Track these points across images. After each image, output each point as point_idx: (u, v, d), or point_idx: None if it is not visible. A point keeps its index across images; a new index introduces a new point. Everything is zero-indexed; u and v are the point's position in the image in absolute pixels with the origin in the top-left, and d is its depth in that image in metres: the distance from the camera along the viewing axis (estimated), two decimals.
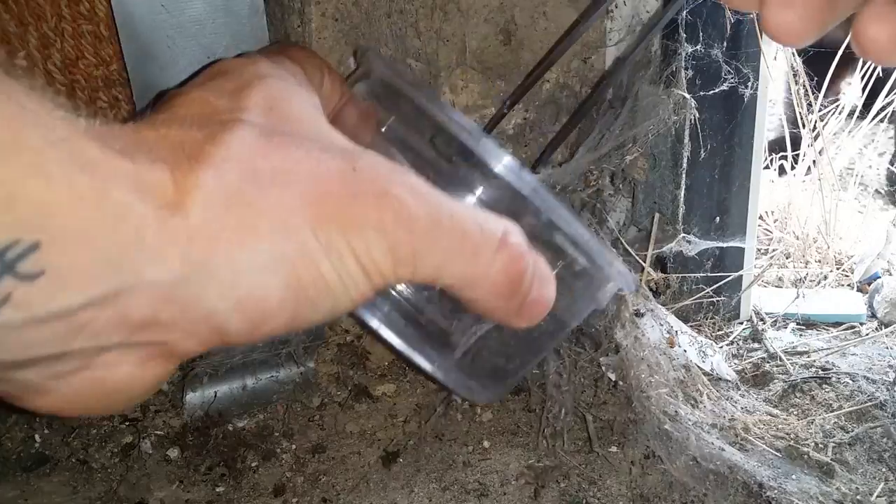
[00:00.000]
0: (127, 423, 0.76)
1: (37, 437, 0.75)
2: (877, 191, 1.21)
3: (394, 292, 0.34)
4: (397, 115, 0.37)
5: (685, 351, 0.73)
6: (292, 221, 0.26)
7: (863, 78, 1.11)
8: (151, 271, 0.24)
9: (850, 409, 0.72)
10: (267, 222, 0.26)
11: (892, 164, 1.16)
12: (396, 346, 0.35)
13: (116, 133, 0.25)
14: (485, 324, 0.37)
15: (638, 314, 0.70)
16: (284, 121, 0.29)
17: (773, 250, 1.00)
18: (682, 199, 0.78)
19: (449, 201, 0.30)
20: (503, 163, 0.34)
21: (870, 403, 0.72)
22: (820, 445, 0.67)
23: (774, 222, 1.06)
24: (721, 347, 0.80)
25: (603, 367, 0.71)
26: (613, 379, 0.70)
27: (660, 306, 0.76)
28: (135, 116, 0.32)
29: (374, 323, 0.35)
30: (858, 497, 0.62)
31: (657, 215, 0.78)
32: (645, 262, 0.80)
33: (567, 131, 0.73)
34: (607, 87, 0.73)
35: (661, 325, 0.73)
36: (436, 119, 0.35)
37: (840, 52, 1.08)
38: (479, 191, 0.35)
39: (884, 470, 0.65)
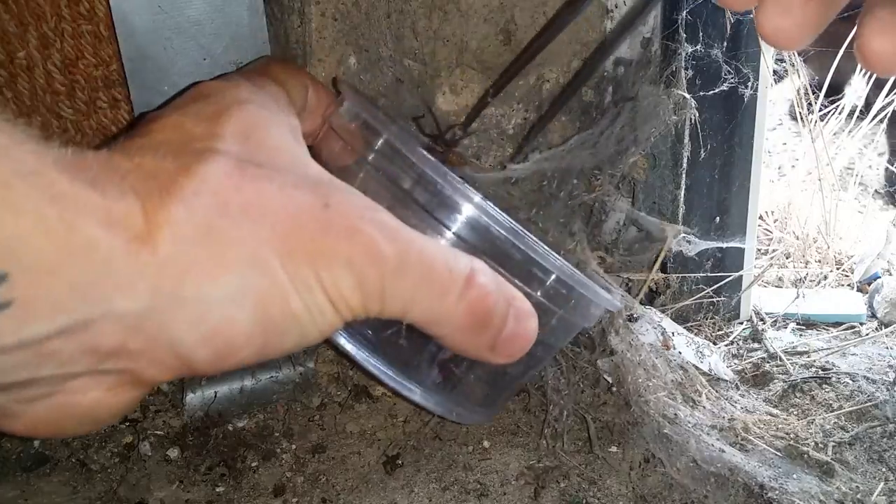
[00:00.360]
0: (127, 424, 0.76)
1: None
2: (877, 191, 1.21)
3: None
4: (378, 146, 0.38)
5: (681, 353, 0.73)
6: (262, 256, 0.27)
7: (864, 77, 1.11)
8: (120, 303, 0.25)
9: (850, 409, 0.72)
10: (237, 256, 0.26)
11: (893, 164, 1.16)
12: (378, 375, 0.36)
13: (89, 162, 0.26)
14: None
15: (631, 319, 0.70)
16: (260, 150, 0.29)
17: (773, 250, 1.00)
18: (682, 199, 0.78)
19: (419, 239, 0.30)
20: (474, 201, 0.35)
21: (869, 403, 0.72)
22: (820, 445, 0.67)
23: (774, 222, 1.06)
24: (720, 348, 0.80)
25: (601, 372, 0.71)
26: (610, 381, 0.70)
27: (652, 309, 0.76)
28: (115, 138, 0.32)
29: (353, 351, 0.35)
30: (858, 497, 0.62)
31: (671, 228, 0.77)
32: (644, 266, 0.80)
33: (555, 109, 0.72)
34: (601, 61, 0.73)
35: (656, 328, 0.73)
36: (407, 157, 0.35)
37: (840, 53, 1.08)
38: (455, 227, 0.35)
39: (884, 470, 0.65)
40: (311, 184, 0.29)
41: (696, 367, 0.73)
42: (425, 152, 0.35)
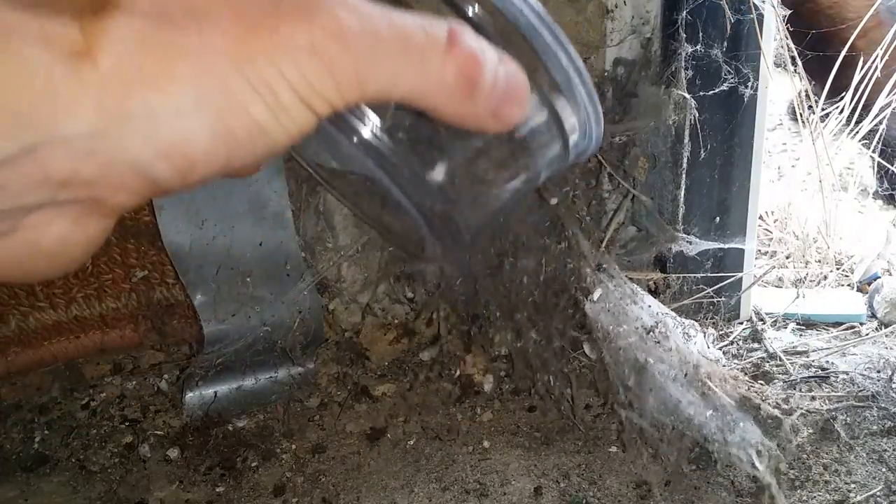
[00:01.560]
0: (127, 424, 0.76)
1: (36, 437, 0.75)
2: (877, 191, 1.21)
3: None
4: None
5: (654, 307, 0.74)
6: (213, 59, 0.25)
7: (862, 79, 1.11)
8: (66, 125, 0.24)
9: (850, 408, 0.72)
10: (184, 63, 0.25)
11: (893, 164, 1.16)
12: (372, 173, 0.33)
13: None
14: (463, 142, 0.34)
15: (599, 269, 0.71)
16: None
17: (774, 251, 1.00)
18: (682, 199, 0.78)
19: (386, 10, 0.28)
20: None
21: (869, 403, 0.72)
22: (819, 446, 0.68)
23: (774, 222, 1.06)
24: (720, 348, 0.80)
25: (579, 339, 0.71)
26: (589, 353, 0.70)
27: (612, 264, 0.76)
28: None
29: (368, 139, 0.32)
30: (858, 497, 0.62)
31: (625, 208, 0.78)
32: (644, 266, 0.80)
33: None
34: None
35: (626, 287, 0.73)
36: None
37: (842, 55, 1.08)
38: (472, 9, 0.31)
39: (884, 470, 0.65)
40: None
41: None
42: None
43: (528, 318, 0.73)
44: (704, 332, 0.79)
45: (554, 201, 0.72)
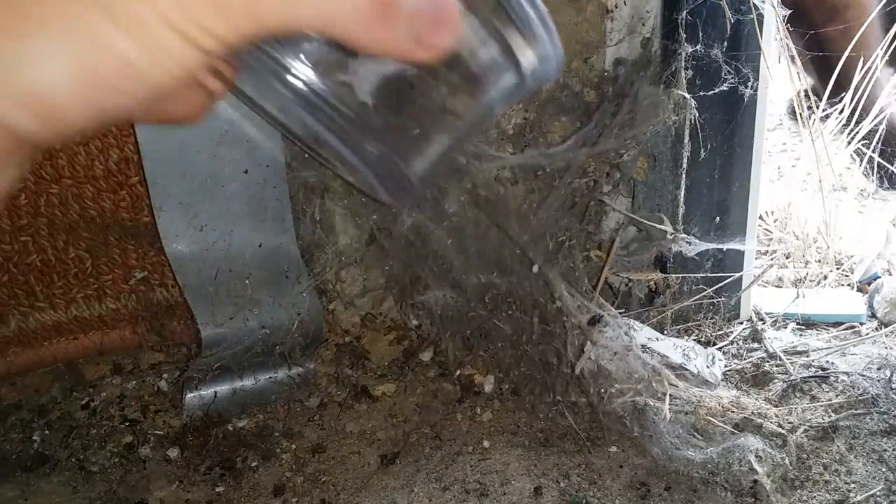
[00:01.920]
0: (127, 424, 0.76)
1: (36, 437, 0.75)
2: (876, 191, 1.21)
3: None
4: None
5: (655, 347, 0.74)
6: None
7: (862, 79, 1.11)
8: None
9: (849, 407, 0.72)
10: (37, 2, 0.23)
11: (893, 164, 1.16)
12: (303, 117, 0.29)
13: None
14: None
15: (594, 321, 0.71)
16: None
17: (773, 251, 1.01)
18: (682, 199, 0.78)
19: None
20: None
21: (868, 402, 0.72)
22: (785, 423, 0.68)
23: (774, 222, 1.06)
24: (720, 348, 0.80)
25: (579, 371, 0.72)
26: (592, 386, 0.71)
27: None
28: None
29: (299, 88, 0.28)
30: (858, 497, 0.62)
31: (617, 239, 0.78)
32: (644, 266, 0.80)
33: None
34: None
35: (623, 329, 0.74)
36: None
37: (844, 56, 1.08)
38: None
39: (884, 470, 0.65)
40: None
41: (683, 368, 0.74)
42: None
43: (522, 371, 0.74)
44: (705, 344, 0.79)
45: (535, 269, 0.72)
